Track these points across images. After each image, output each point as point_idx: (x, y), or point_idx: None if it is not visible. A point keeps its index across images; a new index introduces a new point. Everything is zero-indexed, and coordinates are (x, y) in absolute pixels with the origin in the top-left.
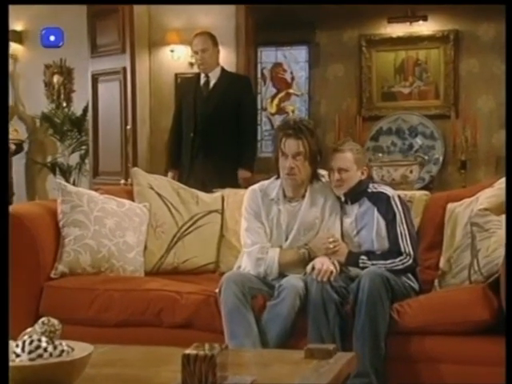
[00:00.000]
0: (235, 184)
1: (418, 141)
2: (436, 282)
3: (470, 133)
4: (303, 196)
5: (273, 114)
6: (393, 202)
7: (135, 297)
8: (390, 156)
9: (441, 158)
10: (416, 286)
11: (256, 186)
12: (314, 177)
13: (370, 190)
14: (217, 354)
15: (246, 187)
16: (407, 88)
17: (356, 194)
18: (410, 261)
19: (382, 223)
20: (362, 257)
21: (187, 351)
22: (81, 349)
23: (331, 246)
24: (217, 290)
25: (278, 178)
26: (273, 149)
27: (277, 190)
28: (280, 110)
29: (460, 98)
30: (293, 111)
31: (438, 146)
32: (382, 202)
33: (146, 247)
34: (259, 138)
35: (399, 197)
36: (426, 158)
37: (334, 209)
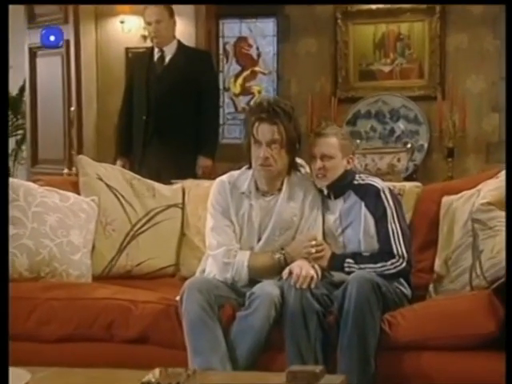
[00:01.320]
0: (194, 174)
1: (401, 125)
2: (431, 287)
3: (458, 116)
4: (279, 189)
5: (237, 95)
6: (383, 196)
7: (81, 307)
8: (369, 142)
9: (425, 145)
10: (408, 292)
11: (224, 178)
12: (292, 167)
13: (356, 182)
14: (183, 383)
15: (207, 177)
16: (388, 66)
17: (341, 186)
18: (404, 264)
19: (371, 220)
20: (348, 259)
21: (146, 379)
22: (15, 377)
23: (313, 250)
24: (178, 298)
25: (250, 167)
26: (244, 134)
27: (248, 182)
28: (245, 91)
29: (447, 78)
30: (259, 92)
31: (423, 131)
32: (370, 196)
33: (93, 248)
34: (221, 121)
35: (390, 190)
36: (409, 144)
37: (315, 204)
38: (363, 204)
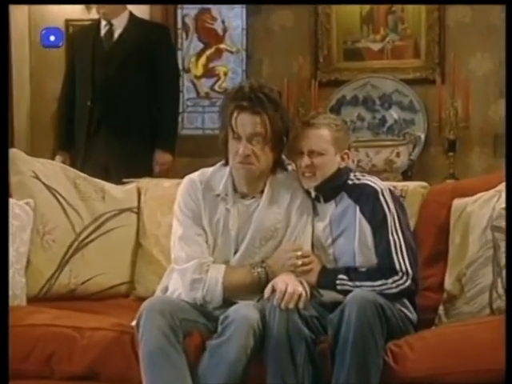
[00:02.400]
0: (150, 171)
1: (393, 113)
2: (441, 309)
3: (461, 103)
4: (262, 191)
5: (198, 77)
6: (382, 199)
7: (14, 335)
8: (355, 134)
9: (422, 137)
10: (414, 316)
11: (195, 176)
12: (278, 165)
13: (350, 182)
14: None
15: (165, 175)
16: (378, 43)
17: (332, 187)
18: (408, 282)
19: (368, 228)
20: (341, 275)
21: None
22: None
23: (299, 262)
24: (133, 324)
25: (226, 164)
26: (220, 125)
27: (224, 183)
28: (208, 72)
29: (447, 57)
30: (225, 73)
31: (419, 121)
32: (366, 199)
33: (28, 263)
34: (181, 109)
35: (391, 191)
36: (402, 137)
37: (305, 209)
38: (358, 208)
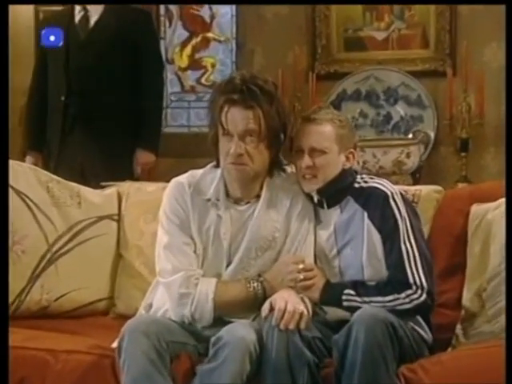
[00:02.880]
0: (131, 173)
1: (399, 109)
2: (458, 328)
3: (475, 98)
4: (258, 196)
5: (183, 70)
6: (393, 204)
7: None
8: (357, 131)
9: (432, 135)
10: (429, 336)
11: (183, 179)
12: (275, 166)
13: (357, 185)
14: None
15: (147, 178)
16: (382, 32)
17: (336, 191)
18: (423, 296)
19: (377, 237)
20: (347, 290)
21: None
22: None
23: (301, 276)
24: (115, 346)
25: (218, 166)
26: (209, 122)
27: (215, 186)
28: (194, 64)
29: (459, 47)
30: (213, 65)
31: (428, 118)
32: (375, 204)
33: None
34: (164, 104)
35: (402, 196)
36: (412, 136)
37: (306, 215)
38: (366, 215)
